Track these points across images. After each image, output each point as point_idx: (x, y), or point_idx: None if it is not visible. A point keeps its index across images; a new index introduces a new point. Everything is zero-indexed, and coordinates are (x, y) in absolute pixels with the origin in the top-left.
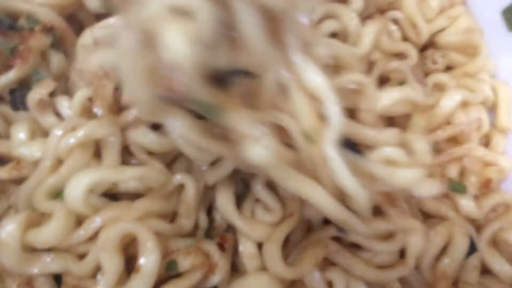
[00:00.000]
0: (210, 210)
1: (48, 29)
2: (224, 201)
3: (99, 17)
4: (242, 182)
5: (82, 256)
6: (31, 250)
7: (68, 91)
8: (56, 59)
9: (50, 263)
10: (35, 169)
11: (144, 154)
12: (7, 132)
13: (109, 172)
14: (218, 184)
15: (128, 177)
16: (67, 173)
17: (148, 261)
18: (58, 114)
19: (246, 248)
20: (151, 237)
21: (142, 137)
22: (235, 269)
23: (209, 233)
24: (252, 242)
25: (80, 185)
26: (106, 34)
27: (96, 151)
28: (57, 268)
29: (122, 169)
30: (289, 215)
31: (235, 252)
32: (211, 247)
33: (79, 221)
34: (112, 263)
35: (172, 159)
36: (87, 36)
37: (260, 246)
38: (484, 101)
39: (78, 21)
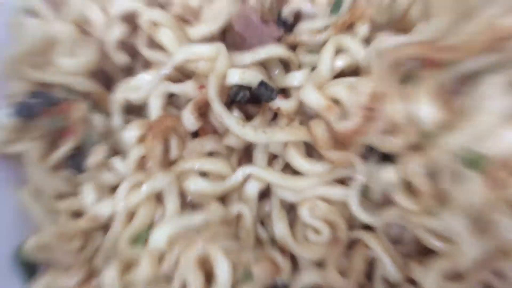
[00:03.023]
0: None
1: (85, 96)
2: (282, 233)
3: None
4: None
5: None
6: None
7: (113, 147)
8: (98, 121)
9: None
10: (112, 223)
11: (199, 197)
12: (73, 190)
13: (184, 222)
14: (273, 215)
15: (198, 224)
16: (141, 223)
17: (223, 271)
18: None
19: (306, 266)
20: (221, 253)
21: (194, 185)
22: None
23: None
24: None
25: (163, 235)
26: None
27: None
28: None
29: (192, 218)
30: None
31: None
32: (276, 255)
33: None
34: (196, 280)
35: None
36: (119, 94)
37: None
38: None
39: (104, 73)
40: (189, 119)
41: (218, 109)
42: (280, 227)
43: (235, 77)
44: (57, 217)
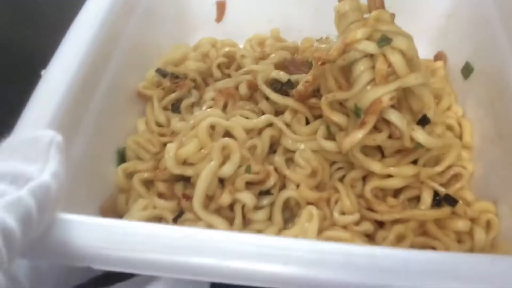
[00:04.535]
0: None
1: (193, 80)
2: (279, 161)
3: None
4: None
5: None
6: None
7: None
8: (194, 93)
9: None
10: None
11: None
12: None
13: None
14: (276, 154)
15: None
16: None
17: (235, 156)
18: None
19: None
20: (237, 148)
21: (237, 119)
22: None
23: None
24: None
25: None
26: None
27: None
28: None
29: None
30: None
31: None
32: (271, 168)
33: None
34: (217, 156)
35: None
36: (211, 89)
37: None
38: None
39: (206, 79)
40: (243, 89)
41: (262, 86)
42: (278, 158)
43: (274, 73)
44: (151, 133)
